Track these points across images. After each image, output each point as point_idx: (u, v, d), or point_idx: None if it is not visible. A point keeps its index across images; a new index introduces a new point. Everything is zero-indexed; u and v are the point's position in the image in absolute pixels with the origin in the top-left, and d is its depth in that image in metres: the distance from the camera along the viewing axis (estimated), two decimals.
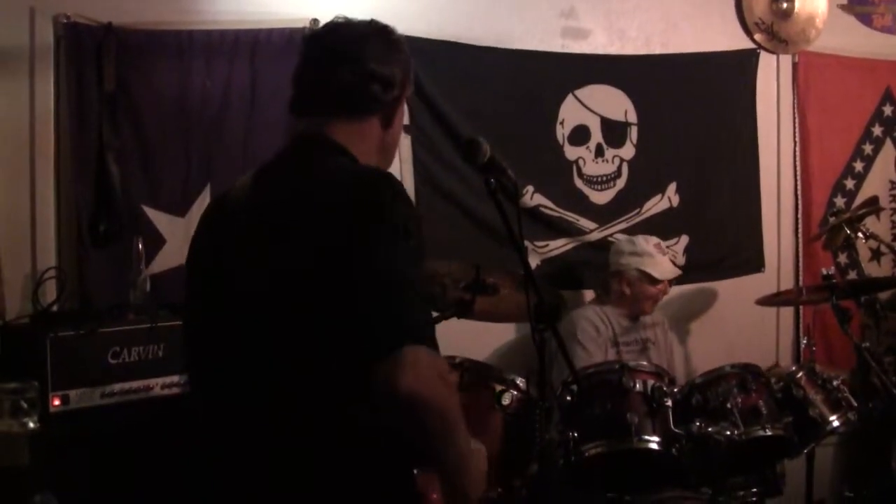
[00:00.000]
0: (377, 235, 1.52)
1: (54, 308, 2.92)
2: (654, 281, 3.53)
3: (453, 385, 1.51)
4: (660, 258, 3.56)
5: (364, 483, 1.55)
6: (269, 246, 1.59)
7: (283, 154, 1.78)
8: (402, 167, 3.58)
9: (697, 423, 2.74)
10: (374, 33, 1.80)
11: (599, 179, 3.94)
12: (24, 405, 0.96)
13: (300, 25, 3.33)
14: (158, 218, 3.19)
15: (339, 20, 1.84)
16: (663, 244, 3.66)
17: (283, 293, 1.55)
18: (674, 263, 3.70)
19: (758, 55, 4.22)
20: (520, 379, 2.73)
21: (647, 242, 3.59)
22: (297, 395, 1.54)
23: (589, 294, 3.88)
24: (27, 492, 1.06)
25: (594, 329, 3.49)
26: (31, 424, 0.97)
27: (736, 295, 4.13)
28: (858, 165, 4.42)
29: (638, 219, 4.00)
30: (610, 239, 3.84)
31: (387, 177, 1.64)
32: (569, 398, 2.74)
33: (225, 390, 1.66)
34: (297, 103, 1.79)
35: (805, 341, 3.88)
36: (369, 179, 1.62)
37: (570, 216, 3.89)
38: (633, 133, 3.99)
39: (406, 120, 3.53)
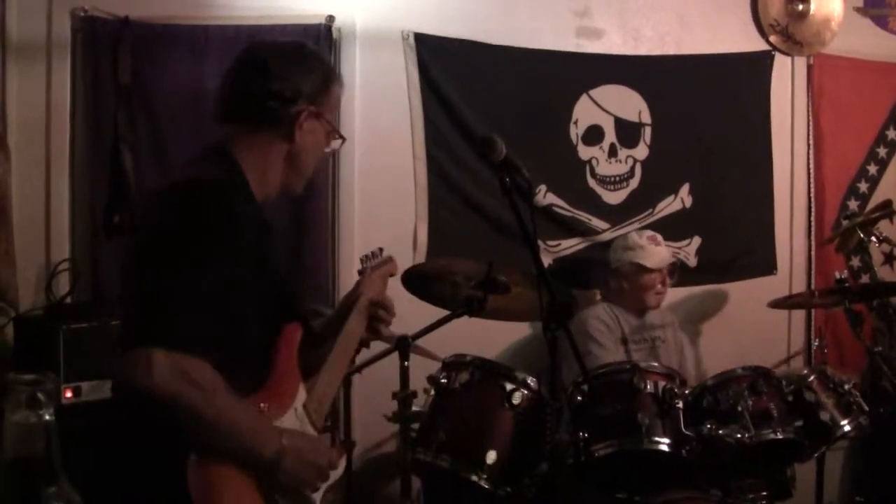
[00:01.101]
0: (158, 242, 1.64)
1: (68, 300, 2.94)
2: (647, 271, 3.53)
3: (202, 385, 1.56)
4: (652, 249, 3.57)
5: (138, 476, 1.66)
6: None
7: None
8: (415, 164, 3.59)
9: (708, 425, 2.73)
10: (290, 53, 1.89)
11: (612, 179, 3.93)
12: (42, 397, 0.97)
13: (315, 22, 3.35)
14: None
15: (267, 42, 1.98)
16: (660, 237, 3.64)
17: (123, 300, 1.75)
18: (684, 262, 3.67)
19: (772, 57, 4.19)
20: (531, 378, 2.72)
21: (640, 236, 3.62)
22: (117, 394, 1.73)
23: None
24: (41, 483, 1.07)
25: (605, 326, 3.50)
26: (48, 416, 0.98)
27: (748, 297, 4.11)
28: (872, 168, 4.40)
29: (650, 219, 3.99)
30: None
31: (198, 185, 1.71)
32: (579, 398, 2.74)
33: None
34: (215, 115, 1.89)
35: (816, 344, 3.86)
36: (180, 189, 1.72)
37: (583, 216, 3.88)
38: (647, 133, 3.98)
39: (419, 118, 3.58)
